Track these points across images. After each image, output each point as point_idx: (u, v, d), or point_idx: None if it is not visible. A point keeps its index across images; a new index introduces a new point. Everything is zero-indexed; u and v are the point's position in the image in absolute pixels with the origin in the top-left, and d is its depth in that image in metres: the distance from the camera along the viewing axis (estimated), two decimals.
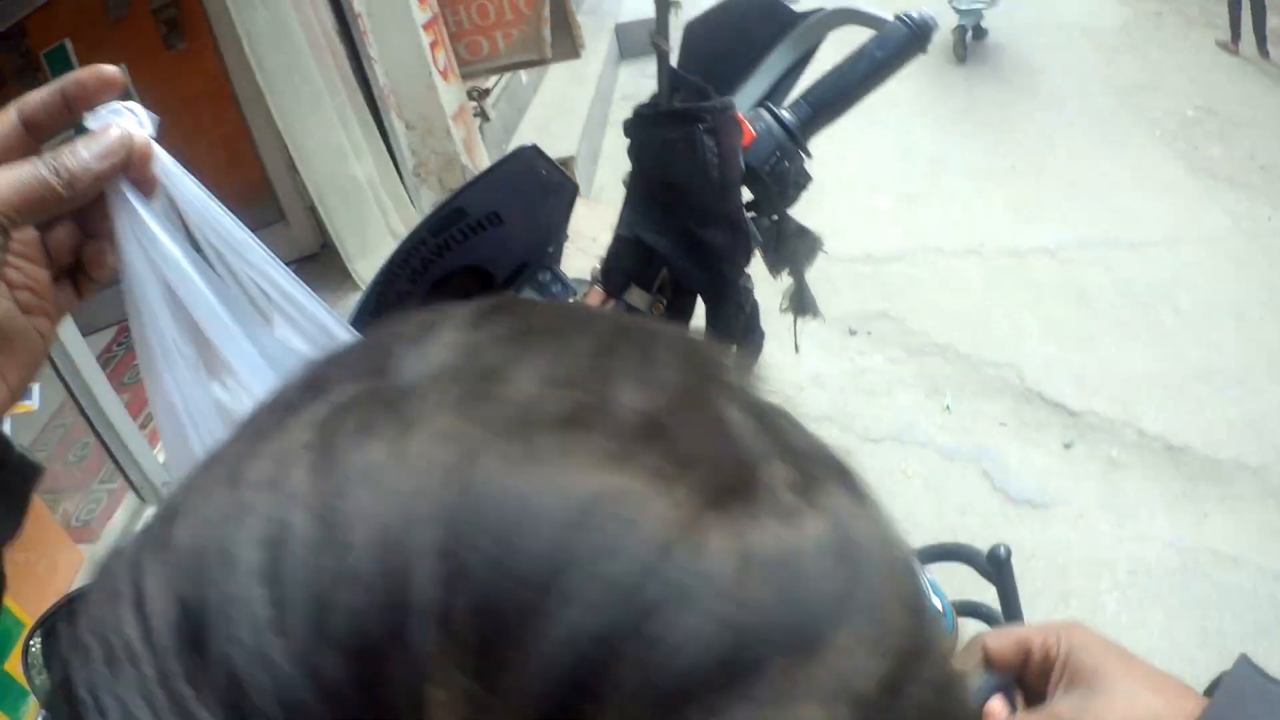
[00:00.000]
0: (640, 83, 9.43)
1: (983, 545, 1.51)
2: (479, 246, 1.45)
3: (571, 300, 1.46)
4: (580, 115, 7.19)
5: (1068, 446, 4.48)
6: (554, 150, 6.37)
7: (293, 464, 0.34)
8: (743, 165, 1.33)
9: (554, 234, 1.56)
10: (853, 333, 5.33)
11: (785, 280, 1.55)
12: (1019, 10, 11.39)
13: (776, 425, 0.39)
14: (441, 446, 0.34)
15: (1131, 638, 3.51)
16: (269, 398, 0.41)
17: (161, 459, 3.48)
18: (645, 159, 1.35)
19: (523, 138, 6.79)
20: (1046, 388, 4.85)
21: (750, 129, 1.41)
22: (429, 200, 4.99)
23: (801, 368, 4.86)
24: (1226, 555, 3.83)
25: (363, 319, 1.39)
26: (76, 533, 3.27)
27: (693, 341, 0.43)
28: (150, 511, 3.29)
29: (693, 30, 1.50)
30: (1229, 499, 4.10)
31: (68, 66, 4.65)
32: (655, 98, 1.37)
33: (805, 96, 1.51)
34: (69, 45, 4.73)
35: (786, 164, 1.43)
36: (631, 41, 10.45)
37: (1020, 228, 6.42)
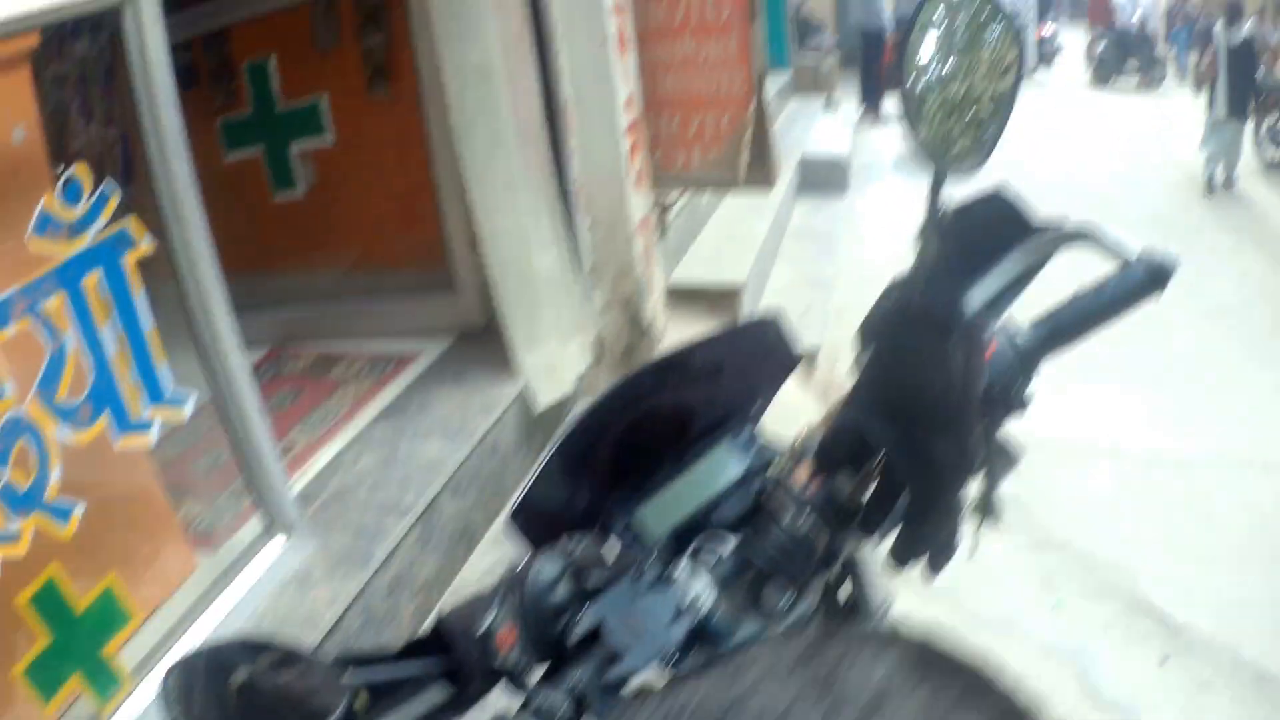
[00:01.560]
0: (815, 220, 9.52)
1: None
2: (691, 391, 1.49)
3: (771, 467, 1.48)
4: (755, 245, 7.26)
5: (1164, 661, 4.42)
6: (723, 277, 6.56)
7: None
8: (982, 385, 1.35)
9: (763, 396, 1.59)
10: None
11: (976, 486, 1.56)
12: (1197, 209, 11.41)
13: None
14: None
15: None
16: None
17: (296, 491, 3.52)
18: (886, 355, 1.36)
19: (697, 258, 6.90)
20: (1156, 598, 4.79)
21: (991, 344, 1.43)
22: (600, 302, 5.03)
23: None
24: None
25: (576, 437, 1.43)
26: (194, 539, 3.33)
27: None
28: (280, 541, 3.31)
29: (943, 219, 1.53)
30: None
31: (266, 83, 4.83)
32: (900, 293, 1.40)
33: (1040, 322, 1.53)
34: (273, 62, 4.81)
35: (1014, 387, 1.45)
36: (812, 176, 10.57)
37: (1160, 436, 6.42)
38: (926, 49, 1.52)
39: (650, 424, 1.50)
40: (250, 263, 4.82)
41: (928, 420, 1.30)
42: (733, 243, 7.27)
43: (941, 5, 1.54)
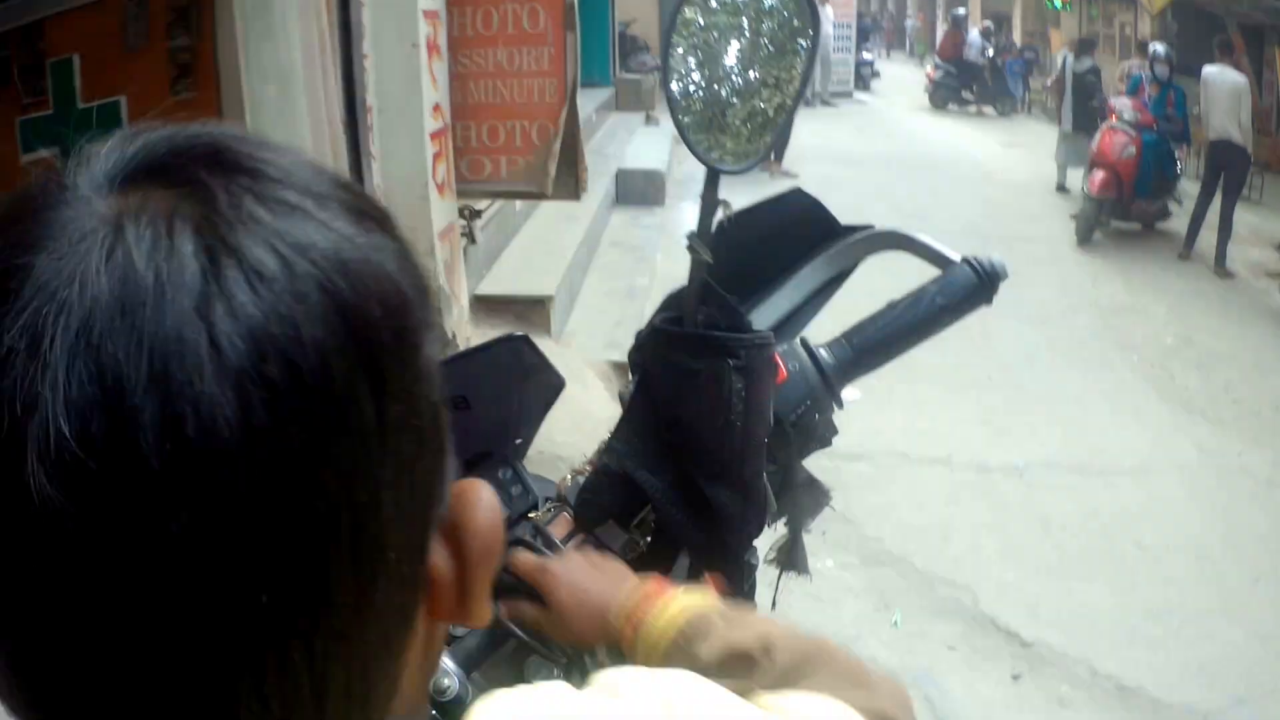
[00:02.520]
0: (631, 231, 9.41)
1: None
2: None
3: (533, 515, 1.24)
4: (566, 256, 7.13)
5: (1016, 678, 4.31)
6: (533, 288, 6.39)
7: None
8: (771, 417, 1.13)
9: (525, 427, 1.34)
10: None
11: (779, 529, 1.35)
12: (1014, 220, 11.65)
13: None
14: None
15: None
16: None
17: None
18: (656, 384, 1.13)
19: (505, 267, 6.72)
20: (1000, 614, 4.69)
21: (783, 368, 1.20)
22: None
23: None
24: None
25: None
26: None
27: None
28: None
29: (729, 224, 1.26)
30: None
31: (70, 84, 4.49)
32: (677, 310, 1.17)
33: (849, 337, 1.31)
34: (76, 62, 4.55)
35: (816, 415, 1.23)
36: (629, 188, 10.50)
37: (990, 443, 6.41)
38: (730, 55, 1.28)
39: None
40: None
41: (705, 463, 1.06)
42: (544, 252, 7.13)
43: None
